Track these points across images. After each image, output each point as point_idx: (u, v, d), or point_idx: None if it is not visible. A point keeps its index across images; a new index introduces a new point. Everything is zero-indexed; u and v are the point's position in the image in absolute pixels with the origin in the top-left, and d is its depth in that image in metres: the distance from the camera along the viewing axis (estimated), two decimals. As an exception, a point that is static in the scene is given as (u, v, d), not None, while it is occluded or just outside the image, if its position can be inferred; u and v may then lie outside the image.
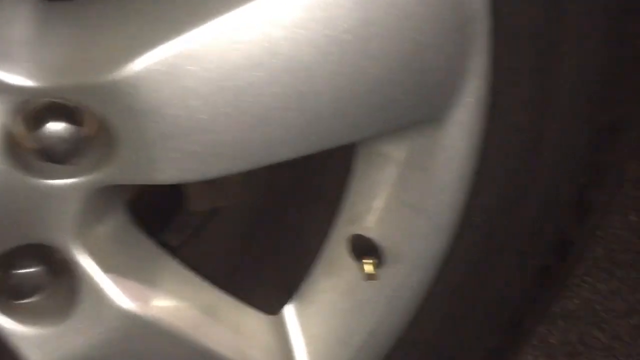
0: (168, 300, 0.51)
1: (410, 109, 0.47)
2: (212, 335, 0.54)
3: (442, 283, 0.57)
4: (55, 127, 0.42)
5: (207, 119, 0.42)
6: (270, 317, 0.59)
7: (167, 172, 0.44)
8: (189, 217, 0.65)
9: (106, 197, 0.48)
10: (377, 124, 0.47)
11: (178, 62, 0.40)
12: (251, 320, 0.58)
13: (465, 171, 0.52)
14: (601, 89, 0.51)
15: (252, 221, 0.65)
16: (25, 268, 0.46)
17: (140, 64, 0.40)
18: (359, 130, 0.47)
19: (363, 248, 0.56)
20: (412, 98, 0.46)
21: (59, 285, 0.48)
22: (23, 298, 0.47)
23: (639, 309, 1.11)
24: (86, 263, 0.47)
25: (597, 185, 0.56)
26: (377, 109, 0.46)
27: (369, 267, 0.55)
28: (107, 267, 0.48)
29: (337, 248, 0.58)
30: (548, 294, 0.61)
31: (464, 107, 0.49)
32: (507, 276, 0.58)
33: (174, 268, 0.54)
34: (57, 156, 0.42)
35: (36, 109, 0.42)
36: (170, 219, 0.66)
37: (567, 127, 0.52)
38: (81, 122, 0.42)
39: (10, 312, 0.48)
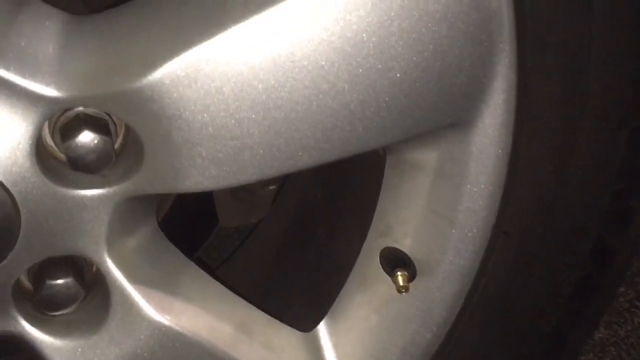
0: (201, 315, 0.51)
1: (437, 111, 0.47)
2: (244, 352, 0.53)
3: (477, 296, 0.55)
4: (85, 137, 0.43)
5: (230, 124, 0.42)
6: (304, 334, 0.58)
7: (192, 180, 0.44)
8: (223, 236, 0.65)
9: (135, 208, 0.48)
10: (404, 127, 0.47)
11: (200, 68, 0.41)
12: (284, 337, 0.57)
13: (496, 177, 0.51)
14: (636, 88, 0.50)
15: (285, 238, 0.65)
16: (58, 279, 0.47)
17: (163, 70, 0.41)
18: (385, 134, 0.46)
19: (395, 261, 0.55)
20: (437, 99, 0.46)
21: (91, 298, 0.49)
22: (56, 310, 0.48)
23: (695, 335, 1.05)
24: (116, 275, 0.48)
25: (637, 191, 0.54)
26: (404, 111, 0.46)
27: (401, 279, 0.54)
28: (137, 279, 0.49)
29: (369, 262, 0.57)
30: (591, 305, 0.59)
31: (493, 109, 0.48)
32: (545, 287, 0.56)
33: (207, 283, 0.54)
34: (86, 166, 0.43)
35: (67, 121, 0.43)
36: (206, 238, 0.66)
37: (601, 128, 0.50)
38: (109, 132, 0.43)
39: (43, 325, 0.49)
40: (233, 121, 0.42)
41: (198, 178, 0.44)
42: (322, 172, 0.65)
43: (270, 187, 0.63)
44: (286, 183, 0.66)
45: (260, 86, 0.42)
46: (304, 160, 0.46)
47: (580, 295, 0.57)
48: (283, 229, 0.66)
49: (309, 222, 0.66)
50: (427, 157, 0.52)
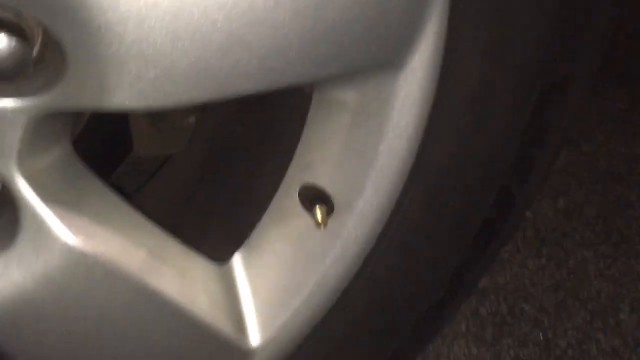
0: (115, 239, 0.50)
1: (367, 51, 0.47)
2: (159, 278, 0.52)
3: (389, 234, 0.57)
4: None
5: (165, 41, 0.40)
6: (218, 266, 0.58)
7: (118, 98, 0.42)
8: (139, 161, 0.63)
9: (51, 125, 0.45)
10: (336, 63, 0.47)
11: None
12: (198, 267, 0.57)
13: (418, 120, 0.53)
14: (550, 47, 0.53)
15: (204, 168, 0.64)
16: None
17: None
18: (317, 68, 0.47)
19: (314, 197, 0.56)
20: (368, 39, 0.47)
21: (1, 214, 0.46)
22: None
23: (564, 285, 1.16)
24: (27, 192, 0.45)
25: (540, 143, 0.58)
26: (337, 47, 0.46)
27: (319, 214, 0.55)
28: (49, 199, 0.46)
29: (288, 197, 0.58)
30: (489, 248, 0.63)
31: (421, 53, 0.49)
32: (452, 229, 0.60)
33: (121, 208, 0.52)
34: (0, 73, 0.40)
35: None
36: (118, 165, 0.64)
37: (517, 81, 0.53)
38: (26, 36, 0.40)
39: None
40: (168, 38, 0.41)
41: (126, 96, 0.42)
42: (241, 109, 0.64)
43: (190, 119, 0.61)
44: (203, 116, 0.64)
45: (198, 8, 0.40)
46: (239, 87, 0.45)
47: (481, 238, 0.62)
48: (199, 161, 0.65)
49: (226, 157, 0.65)
50: (354, 96, 0.53)
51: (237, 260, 0.59)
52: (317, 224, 0.55)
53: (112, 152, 0.63)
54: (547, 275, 1.18)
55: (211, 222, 0.63)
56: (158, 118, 0.59)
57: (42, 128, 0.45)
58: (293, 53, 0.45)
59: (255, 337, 0.58)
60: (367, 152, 0.54)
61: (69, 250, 0.47)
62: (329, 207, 0.56)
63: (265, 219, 0.59)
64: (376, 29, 0.47)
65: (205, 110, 0.62)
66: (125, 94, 0.42)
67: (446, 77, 0.51)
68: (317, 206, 0.55)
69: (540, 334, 1.08)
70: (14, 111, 0.42)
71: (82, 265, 0.48)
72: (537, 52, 0.52)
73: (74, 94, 0.42)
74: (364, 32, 0.46)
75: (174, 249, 0.56)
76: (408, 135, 0.53)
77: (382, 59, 0.49)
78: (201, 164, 0.64)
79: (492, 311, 1.11)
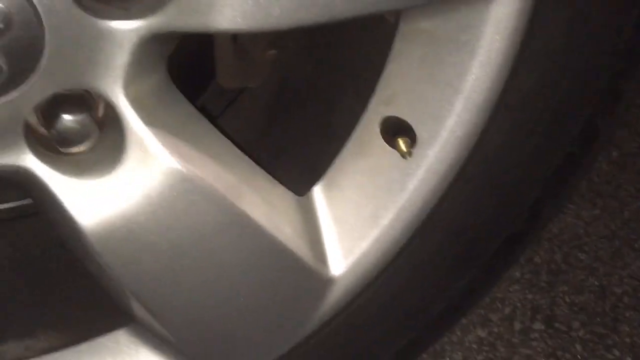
0: (209, 163, 0.51)
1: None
2: (248, 203, 0.54)
3: (470, 166, 0.58)
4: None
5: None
6: (298, 197, 0.60)
7: (225, 19, 0.43)
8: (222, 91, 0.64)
9: (154, 50, 0.47)
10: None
11: None
12: (281, 196, 0.59)
13: (508, 49, 0.52)
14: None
15: (281, 101, 0.65)
16: (73, 114, 0.45)
17: None
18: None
19: (396, 129, 0.57)
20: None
21: (105, 137, 0.48)
22: (69, 146, 0.46)
23: (618, 234, 1.16)
24: (132, 115, 0.47)
25: (630, 74, 0.57)
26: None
27: (404, 145, 0.55)
28: (151, 122, 0.48)
29: (369, 130, 0.58)
30: (568, 182, 0.63)
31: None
32: (533, 162, 0.60)
33: (213, 134, 0.53)
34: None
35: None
36: (200, 93, 0.65)
37: (612, 8, 0.52)
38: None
39: (55, 163, 0.47)
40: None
41: (232, 17, 0.43)
42: (311, 45, 0.64)
43: (272, 52, 0.62)
44: (283, 49, 0.64)
45: None
46: (336, 10, 0.45)
47: (561, 172, 0.62)
48: (277, 94, 0.66)
49: (303, 91, 0.65)
50: (443, 26, 0.53)
51: (317, 192, 0.60)
52: (402, 155, 0.55)
53: (197, 80, 0.64)
54: (601, 225, 1.17)
55: (287, 156, 0.64)
56: (243, 50, 0.60)
57: (147, 52, 0.46)
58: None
59: (336, 266, 0.60)
60: (453, 82, 0.54)
61: (170, 171, 0.49)
62: (412, 139, 0.56)
63: (345, 151, 0.60)
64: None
65: (285, 43, 0.62)
66: (232, 14, 0.43)
67: (540, 5, 0.50)
68: (400, 137, 0.56)
69: (595, 281, 1.08)
70: (123, 34, 0.43)
71: (181, 186, 0.50)
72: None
73: (183, 15, 0.43)
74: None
75: (259, 177, 0.57)
76: (497, 65, 0.53)
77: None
78: (279, 97, 0.65)
79: (546, 259, 1.11)
